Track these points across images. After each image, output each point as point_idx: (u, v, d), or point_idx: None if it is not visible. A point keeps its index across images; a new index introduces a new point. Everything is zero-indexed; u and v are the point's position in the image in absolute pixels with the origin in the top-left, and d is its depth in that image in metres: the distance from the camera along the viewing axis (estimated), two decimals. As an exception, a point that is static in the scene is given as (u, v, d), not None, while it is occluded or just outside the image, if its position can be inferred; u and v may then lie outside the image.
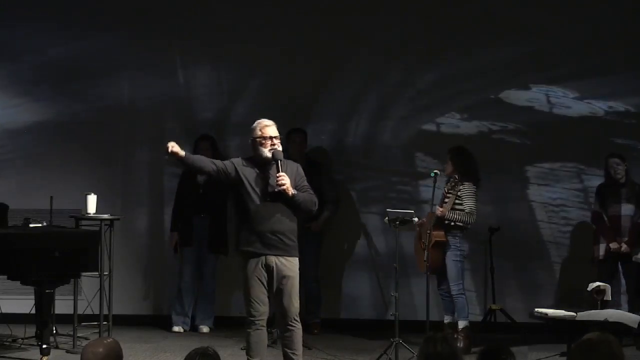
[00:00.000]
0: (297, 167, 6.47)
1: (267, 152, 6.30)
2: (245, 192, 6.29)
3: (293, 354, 6.32)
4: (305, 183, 6.43)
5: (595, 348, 3.75)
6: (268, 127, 6.35)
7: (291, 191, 6.24)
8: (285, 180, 6.21)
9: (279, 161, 6.26)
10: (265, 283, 6.28)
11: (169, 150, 6.20)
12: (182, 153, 6.26)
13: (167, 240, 9.24)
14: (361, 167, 9.38)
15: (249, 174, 6.31)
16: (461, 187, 8.03)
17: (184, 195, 9.03)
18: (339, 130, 9.37)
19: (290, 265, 6.31)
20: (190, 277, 9.00)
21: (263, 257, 6.25)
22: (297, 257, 6.37)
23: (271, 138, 6.32)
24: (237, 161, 6.40)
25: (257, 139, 6.34)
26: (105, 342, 4.43)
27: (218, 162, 6.41)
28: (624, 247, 8.29)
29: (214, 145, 9.01)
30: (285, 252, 6.30)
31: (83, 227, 8.09)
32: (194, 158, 6.50)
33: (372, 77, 9.33)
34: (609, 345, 3.76)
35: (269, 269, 6.27)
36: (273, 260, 6.26)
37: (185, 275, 8.99)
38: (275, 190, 6.23)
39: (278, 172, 6.24)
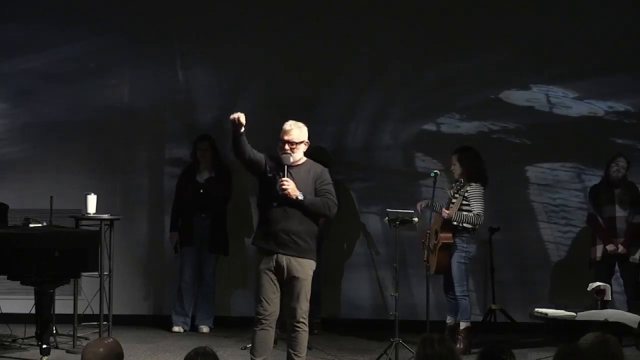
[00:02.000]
0: (322, 171, 6.42)
1: (280, 156, 6.29)
2: (266, 188, 6.29)
3: (296, 355, 6.29)
4: (325, 187, 6.35)
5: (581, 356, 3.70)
6: (284, 131, 6.31)
7: (295, 196, 6.20)
8: (287, 185, 6.18)
9: (285, 167, 6.23)
10: (276, 284, 6.26)
11: (238, 120, 6.02)
12: (243, 129, 6.11)
13: (167, 240, 9.24)
14: (361, 167, 9.38)
15: (271, 173, 6.30)
16: (468, 189, 7.99)
17: (184, 195, 9.01)
18: (339, 131, 9.37)
19: (301, 267, 6.25)
20: (190, 277, 8.99)
21: (274, 255, 6.23)
22: (311, 259, 6.32)
23: (284, 142, 6.29)
24: (267, 157, 6.34)
25: (279, 141, 6.33)
26: (105, 342, 4.45)
27: (255, 152, 6.27)
28: (621, 248, 8.29)
29: (214, 146, 9.00)
30: (298, 253, 6.25)
31: (83, 227, 8.09)
32: (246, 140, 6.22)
33: (373, 77, 9.33)
34: (605, 346, 3.73)
35: (279, 268, 6.24)
36: (284, 259, 6.23)
37: (185, 275, 8.98)
38: (280, 193, 6.22)
39: (283, 176, 6.22)
